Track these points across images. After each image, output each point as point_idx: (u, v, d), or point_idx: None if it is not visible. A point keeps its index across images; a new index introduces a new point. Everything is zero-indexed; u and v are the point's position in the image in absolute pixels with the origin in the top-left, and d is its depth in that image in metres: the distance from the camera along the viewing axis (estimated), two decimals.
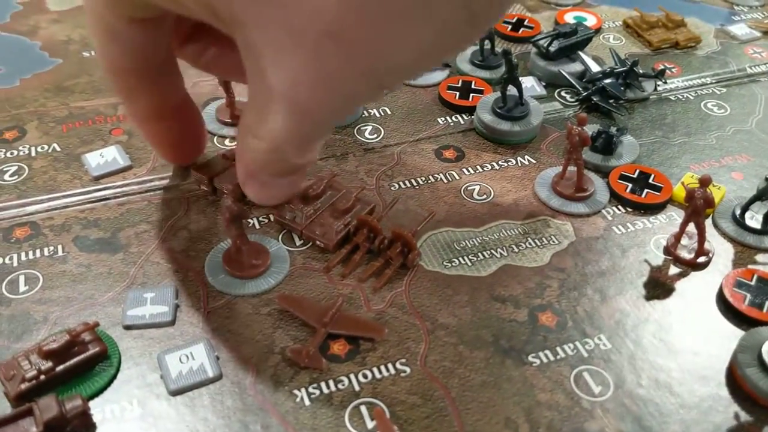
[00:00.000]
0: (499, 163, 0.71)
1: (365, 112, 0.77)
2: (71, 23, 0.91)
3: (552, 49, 0.81)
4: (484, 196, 0.67)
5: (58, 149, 0.71)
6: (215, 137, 0.73)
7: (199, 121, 0.63)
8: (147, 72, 0.53)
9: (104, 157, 0.69)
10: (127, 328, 0.54)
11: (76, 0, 0.96)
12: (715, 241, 0.63)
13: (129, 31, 0.48)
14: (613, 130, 0.71)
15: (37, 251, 0.60)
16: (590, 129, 0.71)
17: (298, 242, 0.61)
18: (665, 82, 0.82)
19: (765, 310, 0.56)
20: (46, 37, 0.88)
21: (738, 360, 0.52)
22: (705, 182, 0.58)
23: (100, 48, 0.52)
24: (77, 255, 0.60)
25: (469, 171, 0.70)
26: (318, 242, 0.60)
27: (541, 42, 0.82)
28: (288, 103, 0.41)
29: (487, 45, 0.82)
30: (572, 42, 0.82)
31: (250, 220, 0.63)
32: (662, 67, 0.84)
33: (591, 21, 0.92)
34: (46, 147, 0.71)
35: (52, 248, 0.60)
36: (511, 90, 0.73)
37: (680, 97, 0.81)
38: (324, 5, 0.36)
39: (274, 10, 0.37)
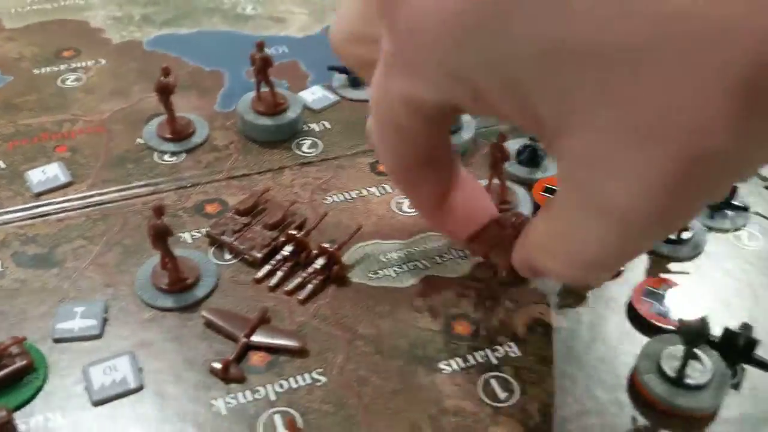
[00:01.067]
0: None
1: (305, 126, 0.79)
2: (25, 41, 0.93)
3: None
4: (414, 209, 0.69)
5: (3, 166, 0.73)
6: (155, 153, 0.75)
7: (481, 193, 0.56)
8: (431, 164, 0.48)
9: (46, 173, 0.71)
10: (57, 341, 0.56)
11: (32, 18, 0.98)
12: None
13: (423, 130, 0.43)
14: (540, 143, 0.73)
15: None
16: (519, 142, 0.74)
17: (228, 256, 0.64)
18: None
19: (670, 318, 0.58)
20: None
21: (639, 367, 0.55)
22: None
23: (387, 146, 0.46)
24: (14, 270, 0.62)
25: None
26: (246, 256, 0.62)
27: None
28: (623, 217, 0.33)
29: None
30: None
31: (181, 235, 0.65)
32: None
33: None
34: None
35: None
36: None
37: None
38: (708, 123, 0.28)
39: (627, 112, 0.30)
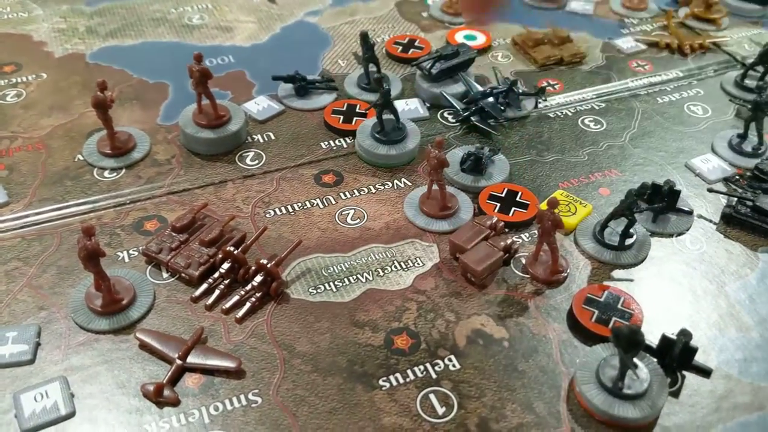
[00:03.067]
0: (377, 186, 0.73)
1: (249, 137, 0.78)
2: None
3: (434, 71, 0.83)
4: (358, 220, 0.69)
5: None
6: (95, 169, 0.74)
7: None
8: None
9: None
10: None
11: None
12: (575, 259, 0.65)
13: None
14: (486, 150, 0.73)
15: None
16: (464, 150, 0.74)
17: (165, 275, 0.63)
18: (545, 100, 0.84)
19: (610, 326, 0.58)
20: None
21: (577, 376, 0.54)
22: (553, 205, 0.60)
23: None
24: None
25: (346, 195, 0.72)
26: (182, 274, 0.61)
27: (423, 64, 0.84)
28: None
29: (373, 68, 0.84)
30: (453, 64, 0.84)
31: (120, 254, 0.64)
32: (544, 84, 0.87)
33: (481, 39, 0.95)
34: None
35: None
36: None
37: (559, 114, 0.84)
38: None
39: None
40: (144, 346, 0.57)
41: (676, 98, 0.87)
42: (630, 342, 0.51)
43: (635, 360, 0.53)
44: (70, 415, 0.52)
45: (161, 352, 0.56)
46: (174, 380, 0.54)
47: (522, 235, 0.68)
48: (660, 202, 0.68)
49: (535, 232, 0.67)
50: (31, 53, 0.91)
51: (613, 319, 0.59)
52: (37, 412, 0.52)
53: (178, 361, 0.55)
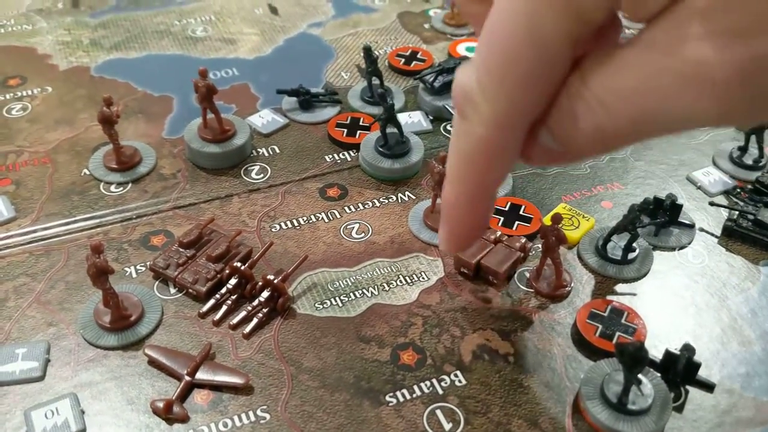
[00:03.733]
0: (381, 200, 0.73)
1: (254, 150, 0.79)
2: None
3: (437, 84, 0.84)
4: (362, 235, 0.69)
5: None
6: (102, 183, 0.74)
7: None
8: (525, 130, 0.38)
9: None
10: None
11: None
12: (579, 273, 0.66)
13: (566, 46, 0.34)
14: None
15: None
16: None
17: (172, 290, 0.63)
18: None
19: (613, 343, 0.59)
20: None
21: (581, 392, 0.55)
22: (556, 220, 0.61)
23: (505, 80, 0.35)
24: None
25: (350, 209, 0.72)
26: (190, 290, 0.62)
27: (426, 78, 0.85)
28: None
29: (376, 81, 0.85)
30: None
31: (127, 269, 0.65)
32: None
33: None
34: None
35: None
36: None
37: None
38: None
39: None
40: (153, 363, 0.57)
41: None
42: (634, 359, 0.51)
43: (639, 376, 0.54)
44: (81, 431, 0.53)
45: (170, 369, 0.56)
46: (183, 396, 0.55)
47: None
48: (662, 216, 0.68)
49: (539, 246, 0.67)
50: (36, 66, 0.92)
51: (617, 333, 0.59)
52: (48, 429, 0.53)
53: (187, 378, 0.55)
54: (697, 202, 0.74)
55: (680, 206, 0.69)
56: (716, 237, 0.70)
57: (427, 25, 1.03)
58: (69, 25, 1.00)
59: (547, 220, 0.65)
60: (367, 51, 0.82)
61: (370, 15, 1.05)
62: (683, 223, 0.70)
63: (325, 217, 0.71)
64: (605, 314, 0.61)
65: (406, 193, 0.74)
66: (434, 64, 0.90)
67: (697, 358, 0.56)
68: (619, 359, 0.52)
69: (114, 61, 0.93)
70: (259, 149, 0.79)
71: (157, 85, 0.88)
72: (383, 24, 1.03)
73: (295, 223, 0.70)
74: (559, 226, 0.61)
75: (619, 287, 0.65)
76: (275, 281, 0.61)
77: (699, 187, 0.76)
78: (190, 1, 1.06)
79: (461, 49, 0.96)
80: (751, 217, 0.69)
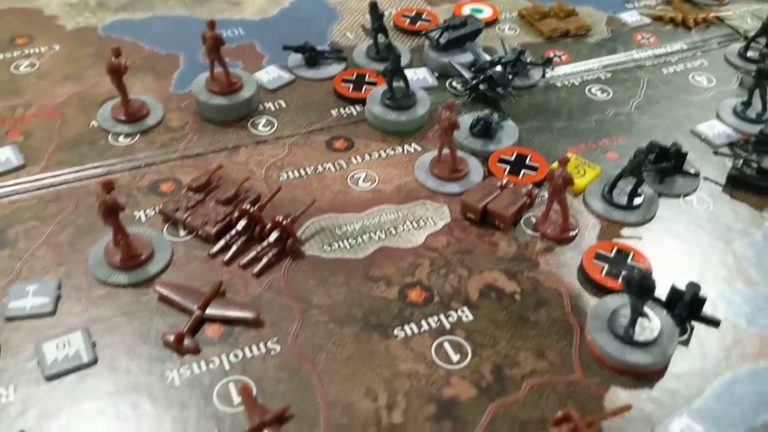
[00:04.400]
0: (387, 151, 0.74)
1: (261, 105, 0.79)
2: None
3: (442, 41, 0.84)
4: (369, 183, 0.70)
5: None
6: (110, 134, 0.75)
7: None
8: None
9: None
10: (9, 319, 0.56)
11: None
12: (585, 218, 0.67)
13: None
14: (495, 116, 0.74)
15: None
16: (472, 116, 0.75)
17: (182, 233, 0.64)
18: (552, 69, 0.85)
19: (620, 279, 0.59)
20: None
21: (588, 326, 0.55)
22: (563, 162, 0.62)
23: None
24: None
25: (357, 159, 0.73)
26: (200, 232, 0.62)
27: (432, 34, 0.85)
28: None
29: (382, 38, 0.85)
30: (461, 34, 0.85)
31: (136, 213, 0.65)
32: (551, 55, 0.88)
33: (487, 12, 0.96)
34: None
35: None
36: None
37: (566, 83, 0.85)
38: None
39: None
40: (163, 299, 0.58)
41: (680, 69, 0.88)
42: (641, 287, 0.52)
43: (646, 309, 0.54)
44: (92, 362, 0.53)
45: (180, 304, 0.57)
46: (194, 330, 0.55)
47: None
48: (667, 162, 0.69)
49: (545, 194, 0.68)
50: (42, 26, 0.92)
51: (624, 272, 0.60)
52: (59, 359, 0.53)
53: (198, 312, 0.56)
54: (701, 154, 0.74)
55: (685, 154, 0.69)
56: (720, 185, 0.71)
57: None
58: None
59: (554, 165, 0.65)
60: (373, 7, 0.82)
61: None
62: (688, 172, 0.70)
63: (332, 167, 0.72)
64: (611, 255, 0.62)
65: (412, 144, 0.75)
66: (439, 22, 0.91)
67: (702, 294, 0.56)
68: (626, 289, 0.53)
69: (121, 21, 0.93)
70: (265, 104, 0.80)
71: (164, 44, 0.89)
72: None
73: (302, 173, 0.71)
74: (566, 167, 0.62)
75: (625, 231, 0.66)
76: (284, 222, 0.61)
77: (703, 140, 0.76)
78: None
79: (466, 10, 0.96)
80: (754, 165, 0.70)
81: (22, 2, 0.97)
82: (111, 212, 0.58)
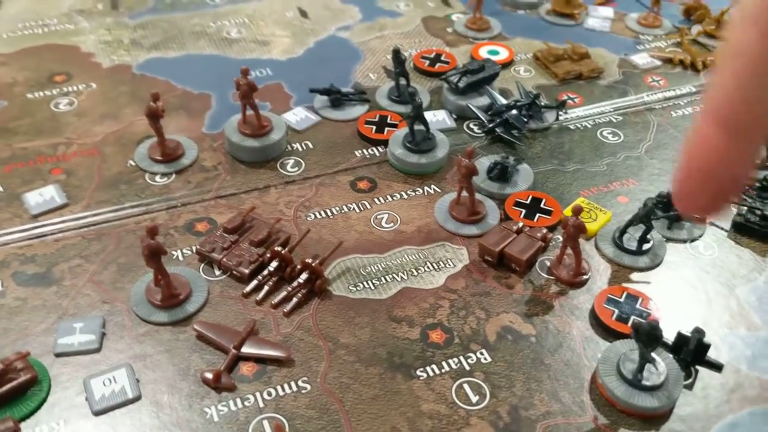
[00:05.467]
0: (408, 192, 0.78)
1: (289, 146, 0.84)
2: (17, 66, 0.97)
3: (461, 85, 0.88)
4: (392, 224, 0.74)
5: (1, 189, 0.77)
6: (146, 174, 0.79)
7: None
8: None
9: (43, 195, 0.75)
10: (58, 355, 0.60)
11: (24, 43, 1.01)
12: (596, 262, 0.70)
13: None
14: (511, 160, 0.78)
15: None
16: (491, 159, 0.79)
17: (217, 272, 0.68)
18: (566, 113, 0.89)
19: (630, 324, 0.63)
20: None
21: (599, 370, 0.59)
22: (576, 211, 0.65)
23: None
24: (14, 289, 0.66)
25: (380, 201, 0.77)
26: (234, 272, 0.67)
27: (451, 78, 0.89)
28: None
29: (403, 81, 0.89)
30: (479, 78, 0.89)
31: (174, 252, 0.69)
32: (565, 98, 0.92)
33: (503, 54, 1.00)
34: None
35: None
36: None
37: (579, 126, 0.89)
38: None
39: None
40: (201, 337, 0.62)
41: (688, 112, 0.92)
42: (649, 336, 0.55)
43: (653, 355, 0.58)
44: (137, 398, 0.57)
45: (217, 342, 0.61)
46: (230, 368, 0.59)
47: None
48: (675, 210, 0.72)
49: (559, 237, 0.72)
50: (80, 64, 0.97)
51: (632, 317, 0.64)
52: (106, 395, 0.57)
53: (234, 350, 0.60)
54: None
55: None
56: (726, 231, 0.74)
57: (450, 29, 1.07)
58: (109, 26, 1.05)
59: (568, 212, 0.69)
60: (396, 53, 0.86)
61: (396, 19, 1.10)
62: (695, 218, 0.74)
63: (356, 208, 0.76)
64: (621, 300, 0.65)
65: (432, 186, 0.79)
66: (458, 65, 0.95)
67: (706, 340, 0.60)
68: (635, 337, 0.56)
69: (154, 60, 0.98)
70: (293, 144, 0.84)
71: (196, 83, 0.93)
72: (408, 28, 1.08)
73: (329, 213, 0.75)
74: (580, 216, 0.65)
75: (634, 276, 0.69)
76: (313, 264, 0.65)
77: None
78: (223, 4, 1.12)
79: (483, 52, 1.00)
80: (758, 212, 0.73)
81: (60, 38, 1.02)
82: (154, 255, 0.62)
